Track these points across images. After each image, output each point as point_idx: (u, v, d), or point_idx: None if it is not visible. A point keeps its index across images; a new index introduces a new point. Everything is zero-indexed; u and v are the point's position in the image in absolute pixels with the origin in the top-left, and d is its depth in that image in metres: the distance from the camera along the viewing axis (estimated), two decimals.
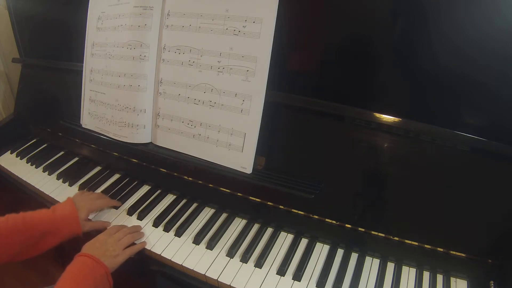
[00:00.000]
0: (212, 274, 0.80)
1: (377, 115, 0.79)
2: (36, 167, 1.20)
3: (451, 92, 0.76)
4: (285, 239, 0.90)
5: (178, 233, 0.91)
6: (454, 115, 0.77)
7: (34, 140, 1.35)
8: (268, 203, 0.91)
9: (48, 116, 1.29)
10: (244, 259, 0.84)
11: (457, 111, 0.77)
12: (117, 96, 1.04)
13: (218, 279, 0.79)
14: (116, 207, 1.01)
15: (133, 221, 0.96)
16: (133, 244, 0.88)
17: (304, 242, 0.89)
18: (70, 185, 1.11)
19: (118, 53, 1.02)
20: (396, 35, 0.77)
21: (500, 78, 0.72)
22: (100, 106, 1.09)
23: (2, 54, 1.51)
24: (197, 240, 0.88)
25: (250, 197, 0.92)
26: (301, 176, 0.86)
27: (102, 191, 1.06)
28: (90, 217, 0.96)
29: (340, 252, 0.86)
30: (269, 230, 0.92)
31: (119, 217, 0.98)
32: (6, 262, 0.80)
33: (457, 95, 0.75)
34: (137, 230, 0.91)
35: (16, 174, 1.18)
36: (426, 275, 0.81)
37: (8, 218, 0.81)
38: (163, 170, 1.03)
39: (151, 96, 1.01)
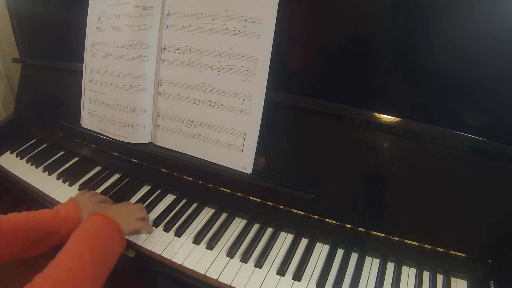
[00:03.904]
0: (212, 274, 0.80)
1: (377, 115, 0.79)
2: (36, 167, 1.20)
3: (451, 92, 0.76)
4: (285, 239, 0.90)
5: (178, 233, 0.91)
6: (454, 115, 0.77)
7: (34, 140, 1.35)
8: (268, 203, 0.91)
9: (48, 116, 1.29)
10: (244, 259, 0.84)
11: (457, 111, 0.77)
12: (117, 96, 1.04)
13: (218, 279, 0.79)
14: None
15: None
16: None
17: (304, 242, 0.89)
18: (70, 185, 1.11)
19: (118, 53, 1.02)
20: (396, 35, 0.77)
21: (500, 78, 0.72)
22: (100, 106, 1.09)
23: (2, 54, 1.51)
24: (197, 240, 0.88)
25: (250, 197, 0.92)
26: (301, 176, 0.86)
27: (102, 191, 1.06)
28: None
29: (340, 252, 0.86)
30: (269, 230, 0.92)
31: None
32: (8, 261, 0.80)
33: (457, 95, 0.75)
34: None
35: (16, 174, 1.18)
36: (426, 275, 0.80)
37: (10, 218, 0.81)
38: (163, 170, 1.03)
39: (151, 96, 1.01)
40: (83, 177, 1.14)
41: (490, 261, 0.76)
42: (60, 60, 1.25)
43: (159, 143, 1.03)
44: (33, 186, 1.12)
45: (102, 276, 0.72)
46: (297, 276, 0.79)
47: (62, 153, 1.27)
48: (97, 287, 0.71)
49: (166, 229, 0.92)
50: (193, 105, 0.95)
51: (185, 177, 1.00)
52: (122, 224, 0.81)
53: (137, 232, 0.90)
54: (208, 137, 0.94)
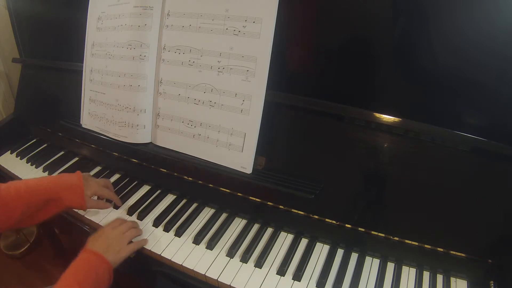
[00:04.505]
0: (212, 274, 0.80)
1: (377, 115, 0.79)
2: (36, 167, 1.20)
3: (451, 92, 0.76)
4: (285, 239, 0.90)
5: (178, 233, 0.91)
6: (454, 115, 0.77)
7: (34, 140, 1.35)
8: (268, 203, 0.91)
9: (48, 116, 1.29)
10: (244, 259, 0.84)
11: (457, 111, 0.77)
12: (117, 96, 1.04)
13: (218, 279, 0.79)
14: (117, 207, 1.00)
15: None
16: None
17: (304, 242, 0.89)
18: None
19: (118, 53, 1.02)
20: (396, 35, 0.77)
21: (500, 78, 0.72)
22: (100, 106, 1.09)
23: (2, 54, 1.51)
24: (197, 240, 0.88)
25: (250, 197, 0.92)
26: (301, 176, 0.86)
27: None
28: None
29: (340, 252, 0.86)
30: (269, 230, 0.92)
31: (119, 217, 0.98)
32: (8, 229, 0.79)
33: (457, 95, 0.75)
34: (138, 226, 0.92)
35: (16, 174, 1.18)
36: (426, 275, 0.81)
37: (10, 185, 0.80)
38: (163, 170, 1.03)
39: (151, 96, 1.01)
40: None
41: (490, 261, 0.76)
42: (60, 60, 1.25)
43: (159, 143, 1.03)
44: None
45: None
46: (297, 276, 0.79)
47: (62, 153, 1.27)
48: None
49: (166, 229, 0.92)
50: (193, 105, 0.95)
51: (185, 177, 1.00)
52: (113, 257, 0.79)
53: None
54: (208, 137, 0.94)
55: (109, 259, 0.78)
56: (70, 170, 1.17)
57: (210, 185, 0.97)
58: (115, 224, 0.87)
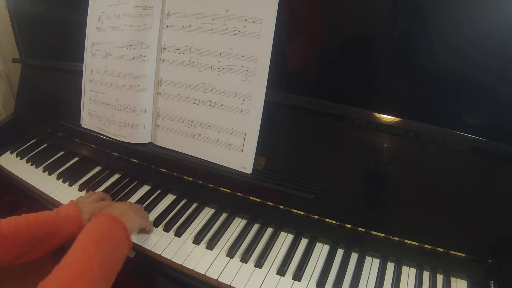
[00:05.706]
0: (212, 274, 0.80)
1: (377, 115, 0.79)
2: (36, 167, 1.20)
3: (451, 92, 0.76)
4: (285, 239, 0.90)
5: (178, 233, 0.91)
6: (454, 115, 0.77)
7: (34, 140, 1.35)
8: (268, 203, 0.91)
9: (48, 116, 1.29)
10: (244, 259, 0.84)
11: (457, 111, 0.77)
12: (117, 96, 1.04)
13: (218, 279, 0.79)
14: None
15: None
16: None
17: (304, 242, 0.89)
18: (70, 185, 1.11)
19: (118, 53, 1.02)
20: (396, 35, 0.77)
21: (500, 78, 0.72)
22: (100, 106, 1.09)
23: (2, 54, 1.51)
24: (197, 240, 0.88)
25: (250, 197, 0.92)
26: (301, 176, 0.86)
27: (102, 191, 1.06)
28: None
29: (340, 252, 0.86)
30: (269, 230, 0.92)
31: None
32: (8, 264, 0.79)
33: (457, 95, 0.75)
34: None
35: (16, 174, 1.18)
36: (426, 275, 0.80)
37: (10, 220, 0.81)
38: (163, 170, 1.03)
39: (151, 96, 1.01)
40: (83, 177, 1.14)
41: (490, 261, 0.76)
42: (60, 60, 1.25)
43: (159, 143, 1.03)
44: (33, 186, 1.12)
45: (109, 278, 0.71)
46: (297, 276, 0.79)
47: (62, 153, 1.27)
48: None
49: (166, 229, 0.92)
50: (193, 105, 0.95)
51: (185, 177, 1.00)
52: (128, 222, 0.80)
53: (142, 230, 0.89)
54: (208, 137, 0.94)
55: (125, 223, 0.79)
56: (70, 170, 1.17)
57: (210, 185, 0.97)
58: (125, 202, 0.91)
